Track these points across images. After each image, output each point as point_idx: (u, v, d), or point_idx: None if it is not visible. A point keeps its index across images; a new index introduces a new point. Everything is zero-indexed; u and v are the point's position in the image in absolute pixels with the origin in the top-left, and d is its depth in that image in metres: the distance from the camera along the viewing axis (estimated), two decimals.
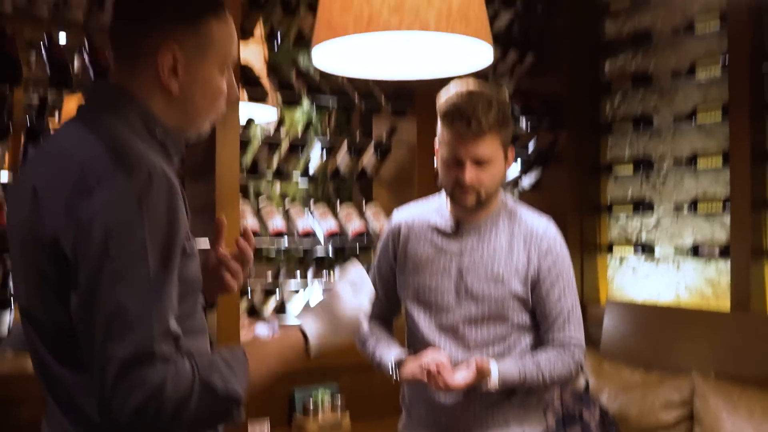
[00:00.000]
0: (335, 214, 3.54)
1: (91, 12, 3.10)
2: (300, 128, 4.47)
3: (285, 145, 3.45)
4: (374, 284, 2.44)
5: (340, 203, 3.62)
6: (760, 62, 3.31)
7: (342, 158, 3.57)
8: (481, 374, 2.14)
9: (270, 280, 3.55)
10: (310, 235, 3.41)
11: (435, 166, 3.51)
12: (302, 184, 4.13)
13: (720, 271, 3.56)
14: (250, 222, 3.27)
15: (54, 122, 4.22)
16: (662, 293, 3.80)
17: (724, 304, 3.50)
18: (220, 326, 3.07)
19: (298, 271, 3.66)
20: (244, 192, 3.99)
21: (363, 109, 3.59)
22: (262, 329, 4.07)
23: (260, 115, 4.00)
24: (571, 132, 4.01)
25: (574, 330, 2.25)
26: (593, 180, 4.10)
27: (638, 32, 3.89)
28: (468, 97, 2.16)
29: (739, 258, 3.35)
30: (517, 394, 2.27)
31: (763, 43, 3.34)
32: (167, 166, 1.50)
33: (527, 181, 4.11)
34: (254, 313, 3.50)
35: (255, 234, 3.25)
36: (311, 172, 3.59)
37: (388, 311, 2.52)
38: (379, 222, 3.54)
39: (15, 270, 1.56)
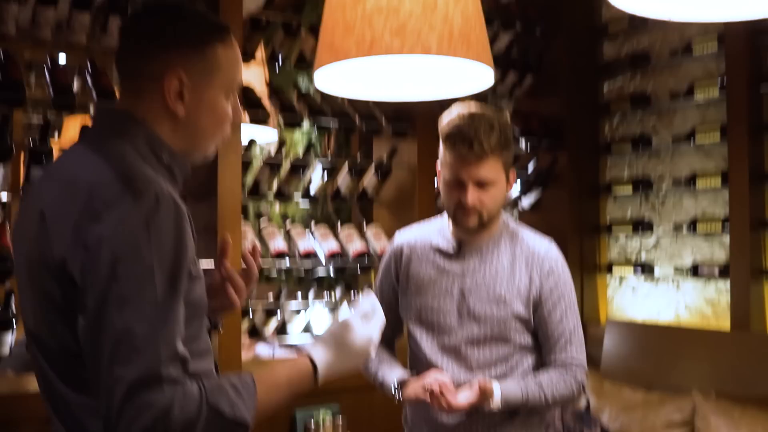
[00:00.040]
0: (336, 235, 3.55)
1: (94, 34, 3.12)
2: (300, 149, 4.49)
3: (286, 166, 3.47)
4: None
5: (341, 224, 3.63)
6: (758, 83, 3.34)
7: (343, 179, 3.59)
8: (484, 395, 2.14)
9: (271, 300, 3.56)
10: (311, 255, 3.42)
11: (436, 186, 3.55)
12: (303, 205, 4.14)
13: (719, 291, 3.57)
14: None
15: (55, 143, 4.25)
16: (662, 313, 3.81)
17: (723, 323, 3.51)
18: (221, 346, 3.07)
19: (299, 292, 3.67)
20: (244, 213, 4.00)
21: (364, 130, 3.60)
22: (262, 349, 4.07)
23: (261, 135, 4.03)
24: (571, 153, 4.04)
25: (576, 351, 2.26)
26: (593, 200, 4.12)
27: (637, 54, 3.93)
28: (470, 119, 2.18)
29: (738, 278, 3.37)
30: (520, 415, 2.27)
31: (761, 64, 3.37)
32: (173, 189, 1.51)
33: (527, 202, 4.13)
34: (255, 333, 3.51)
35: None
36: (312, 193, 3.61)
37: (390, 332, 2.52)
38: (379, 243, 3.55)
39: (22, 292, 1.56)
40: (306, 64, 3.59)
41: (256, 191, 3.44)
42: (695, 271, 3.58)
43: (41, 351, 1.51)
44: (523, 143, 4.00)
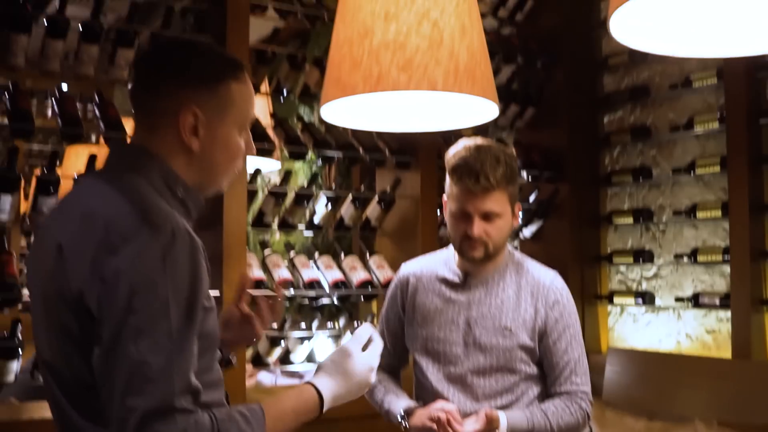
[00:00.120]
0: (339, 265, 3.57)
1: (102, 66, 3.16)
2: (303, 179, 4.52)
3: (291, 197, 3.50)
4: (382, 335, 2.49)
5: (344, 254, 3.66)
6: (757, 116, 3.38)
7: (346, 209, 3.62)
8: (490, 424, 2.16)
9: (275, 328, 3.58)
10: (315, 284, 3.44)
11: (439, 216, 3.58)
12: (306, 234, 4.17)
13: (720, 321, 3.59)
14: (256, 273, 3.31)
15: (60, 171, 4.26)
16: (663, 342, 3.83)
17: (725, 353, 3.53)
18: (226, 374, 3.08)
19: (303, 321, 3.69)
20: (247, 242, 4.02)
21: (368, 161, 3.64)
22: (265, 377, 4.08)
23: (264, 165, 4.07)
24: (572, 184, 4.07)
25: (581, 380, 2.29)
26: (593, 230, 4.15)
27: (637, 86, 3.97)
28: (476, 152, 2.21)
29: (739, 307, 3.39)
30: None
31: (759, 98, 3.42)
32: (188, 223, 1.54)
33: (528, 232, 4.16)
34: (259, 361, 3.52)
35: (261, 283, 3.28)
36: (316, 222, 3.63)
37: (395, 362, 2.55)
38: (382, 272, 3.57)
39: (36, 323, 1.58)
40: (310, 97, 3.63)
41: (260, 221, 3.47)
42: (696, 300, 3.60)
43: (56, 381, 1.53)
44: (524, 174, 4.03)
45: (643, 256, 3.87)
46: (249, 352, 3.42)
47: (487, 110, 2.34)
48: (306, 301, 4.04)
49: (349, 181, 5.21)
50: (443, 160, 3.58)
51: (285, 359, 3.57)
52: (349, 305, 4.65)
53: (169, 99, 1.58)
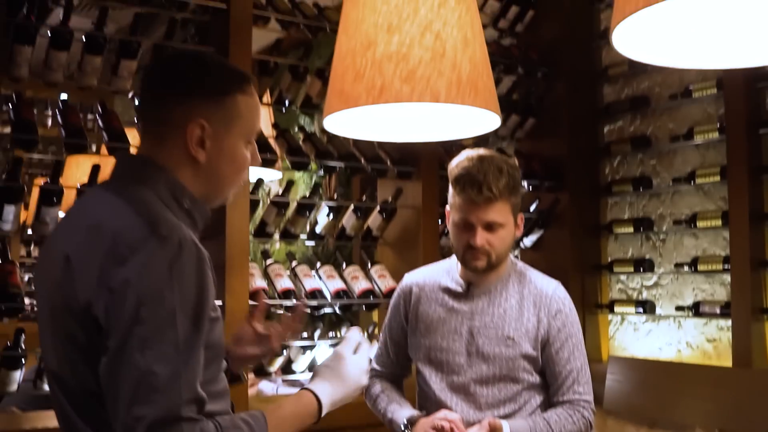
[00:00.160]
0: (341, 275, 3.58)
1: (105, 77, 3.18)
2: (304, 189, 4.53)
3: (293, 207, 3.51)
4: (385, 345, 2.51)
5: (345, 264, 3.67)
6: (757, 126, 3.40)
7: (347, 219, 3.63)
8: None
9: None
10: (317, 293, 3.45)
11: (440, 225, 3.59)
12: (308, 244, 4.18)
13: (721, 329, 3.60)
14: (258, 283, 3.32)
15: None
16: (663, 351, 3.84)
17: (725, 362, 3.53)
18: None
19: (305, 331, 3.69)
20: None
21: (369, 171, 3.65)
22: (266, 386, 4.09)
23: (264, 175, 4.08)
24: (572, 193, 4.08)
25: (583, 389, 2.30)
26: (594, 240, 4.16)
27: (636, 97, 3.99)
28: (479, 163, 2.23)
29: (740, 316, 3.40)
30: None
31: (759, 108, 3.44)
32: (194, 234, 1.56)
33: (529, 241, 4.18)
34: (261, 370, 3.52)
35: (263, 293, 3.29)
36: (318, 232, 3.64)
37: (398, 371, 2.57)
38: (384, 282, 3.58)
39: (43, 333, 1.60)
40: (312, 107, 3.65)
41: (262, 231, 3.48)
42: (696, 309, 3.61)
43: (62, 390, 1.55)
44: (525, 184, 4.04)
45: (643, 265, 3.88)
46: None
47: (489, 121, 2.36)
48: (308, 311, 4.04)
49: (349, 190, 5.23)
50: (445, 170, 3.62)
51: (287, 368, 3.57)
52: (350, 314, 4.66)
53: (177, 111, 1.60)
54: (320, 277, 3.54)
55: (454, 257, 2.42)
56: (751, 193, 3.38)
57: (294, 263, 3.58)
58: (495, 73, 3.87)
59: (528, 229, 4.10)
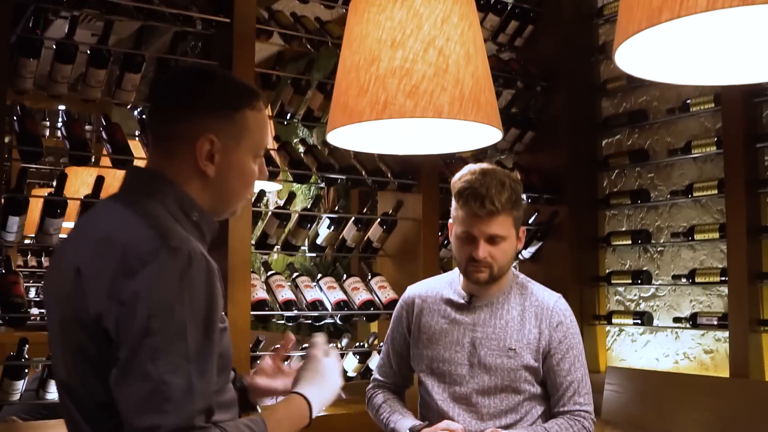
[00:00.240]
0: (341, 286, 3.61)
1: (109, 90, 3.21)
2: (303, 201, 4.55)
3: (294, 219, 3.54)
4: (387, 356, 2.54)
5: (346, 275, 3.69)
6: (754, 141, 3.43)
7: (348, 231, 3.65)
8: None
9: (278, 347, 3.59)
10: (317, 304, 3.47)
11: (439, 237, 3.61)
12: (307, 256, 4.19)
13: (718, 341, 3.63)
14: (260, 294, 3.34)
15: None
16: (661, 362, 3.86)
17: (722, 373, 3.56)
18: None
19: (306, 343, 3.70)
20: None
21: (370, 183, 3.68)
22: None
23: (264, 186, 4.11)
24: (570, 206, 4.11)
25: (584, 400, 2.33)
26: (592, 252, 4.19)
27: (634, 111, 4.03)
28: (482, 177, 2.26)
29: (737, 328, 3.42)
30: None
31: (756, 122, 3.47)
32: (202, 246, 1.58)
33: (528, 253, 4.21)
34: None
35: (265, 304, 3.32)
36: (319, 242, 3.66)
37: (401, 382, 2.59)
38: (384, 293, 3.61)
39: (53, 344, 1.62)
40: (313, 120, 3.67)
41: (263, 243, 3.50)
42: (694, 321, 3.64)
43: (72, 400, 1.57)
44: (524, 196, 4.06)
45: (641, 277, 3.91)
46: (252, 371, 3.44)
47: (491, 135, 2.39)
48: (309, 321, 4.06)
49: (348, 202, 5.26)
50: (445, 183, 3.66)
51: None
52: (349, 325, 4.68)
53: (187, 126, 1.62)
54: (321, 288, 3.56)
55: (456, 269, 2.45)
56: (748, 206, 3.41)
57: (295, 274, 3.60)
58: (495, 86, 3.89)
59: (527, 241, 4.13)
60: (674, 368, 3.80)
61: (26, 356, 2.91)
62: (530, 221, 4.13)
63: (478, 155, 4.27)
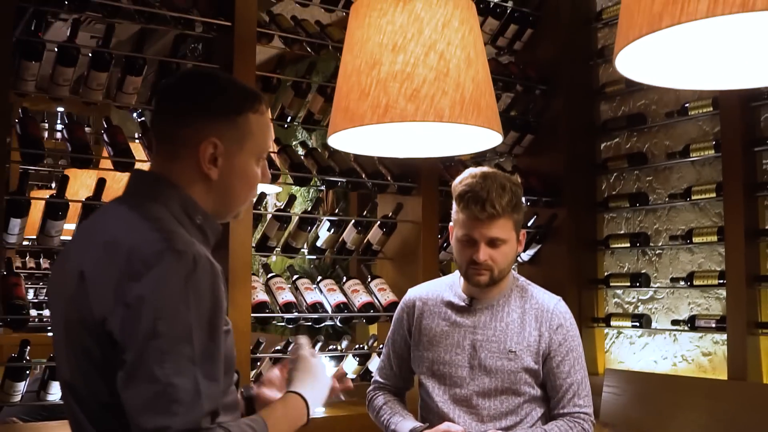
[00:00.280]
0: (341, 289, 3.62)
1: (110, 93, 3.22)
2: (302, 203, 4.56)
3: (295, 221, 3.55)
4: (388, 358, 2.56)
5: (345, 278, 3.71)
6: (752, 144, 3.45)
7: (348, 233, 3.67)
8: None
9: (279, 348, 3.61)
10: (318, 306, 3.48)
11: (438, 239, 3.63)
12: (307, 258, 4.20)
13: (716, 343, 3.65)
14: (261, 296, 3.35)
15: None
16: (659, 364, 3.88)
17: (720, 376, 3.58)
18: None
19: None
20: None
21: (370, 186, 3.69)
22: None
23: (264, 188, 4.12)
24: (569, 209, 4.13)
25: (583, 402, 2.35)
26: (590, 254, 4.21)
27: (633, 114, 4.05)
28: (483, 180, 2.27)
29: (735, 331, 3.44)
30: None
31: (754, 126, 3.49)
32: (206, 249, 1.60)
33: (527, 256, 4.22)
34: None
35: (265, 306, 3.33)
36: (319, 245, 3.68)
37: (401, 384, 2.61)
38: (383, 296, 3.62)
39: (57, 346, 1.63)
40: (313, 123, 3.69)
41: (263, 245, 3.51)
42: (692, 324, 3.65)
43: (76, 400, 1.58)
44: (522, 200, 4.08)
45: (639, 280, 3.93)
46: (253, 372, 3.46)
47: (491, 138, 2.41)
48: (310, 323, 4.08)
49: (347, 205, 5.27)
50: (444, 186, 3.67)
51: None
52: (347, 327, 4.70)
53: (191, 130, 1.63)
54: (321, 291, 3.58)
55: (456, 272, 2.46)
56: (746, 209, 3.43)
57: (295, 276, 3.61)
58: (494, 90, 3.91)
59: (526, 244, 4.14)
60: (672, 371, 3.82)
61: (27, 358, 2.92)
62: (529, 224, 4.14)
63: (477, 158, 4.29)
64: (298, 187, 5.06)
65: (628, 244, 3.99)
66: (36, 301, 5.83)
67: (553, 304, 2.40)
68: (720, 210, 3.60)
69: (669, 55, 1.71)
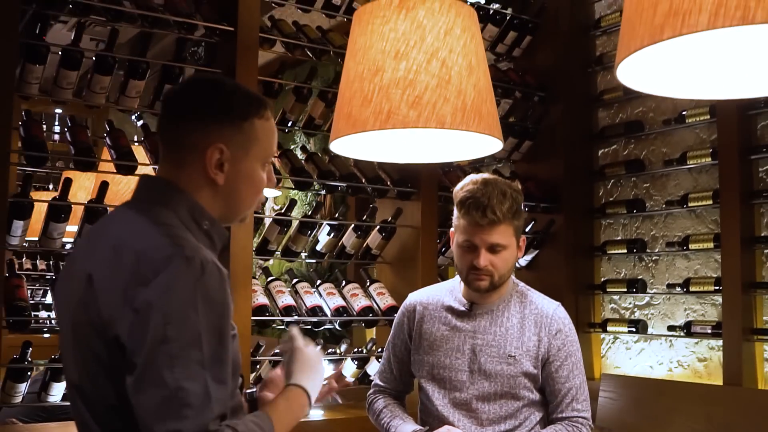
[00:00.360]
0: (341, 292, 3.64)
1: (112, 96, 3.24)
2: (300, 207, 4.58)
3: (295, 225, 3.57)
4: (388, 362, 2.58)
5: (345, 282, 3.73)
6: (749, 152, 3.48)
7: (348, 238, 3.69)
8: None
9: (278, 351, 3.63)
10: (317, 309, 3.51)
11: (437, 243, 3.65)
12: (307, 262, 4.22)
13: (712, 349, 3.67)
14: (261, 300, 3.37)
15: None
16: (655, 370, 3.91)
17: (716, 381, 3.60)
18: None
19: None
20: None
21: (370, 190, 3.72)
22: None
23: (267, 192, 4.14)
24: (567, 215, 4.15)
25: (581, 406, 2.37)
26: (588, 260, 4.24)
27: (631, 121, 4.08)
28: (484, 187, 2.30)
29: (730, 337, 3.46)
30: None
31: (750, 134, 3.52)
32: (213, 254, 1.62)
33: (524, 261, 4.25)
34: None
35: (265, 309, 3.35)
36: (319, 249, 3.70)
37: (401, 387, 2.63)
38: (383, 300, 3.64)
39: (64, 348, 1.64)
40: (314, 128, 3.71)
41: (264, 248, 3.53)
42: (688, 329, 3.68)
43: (83, 402, 1.59)
44: (523, 206, 4.10)
45: (636, 286, 3.95)
46: (252, 375, 3.48)
47: (491, 145, 2.43)
48: (309, 326, 4.10)
49: (345, 209, 5.28)
50: (444, 191, 3.70)
51: None
52: (344, 331, 4.72)
53: (197, 136, 1.65)
54: (320, 295, 3.60)
55: (457, 277, 2.49)
56: (742, 216, 3.46)
57: (295, 280, 3.63)
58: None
59: (524, 249, 4.16)
60: (668, 376, 3.84)
61: (29, 359, 2.94)
62: (527, 230, 4.17)
63: (476, 164, 4.31)
64: (291, 192, 5.08)
65: (625, 250, 4.02)
66: (32, 302, 5.83)
67: (552, 310, 2.42)
68: (716, 217, 3.63)
69: (669, 65, 1.74)
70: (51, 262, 5.46)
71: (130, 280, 1.48)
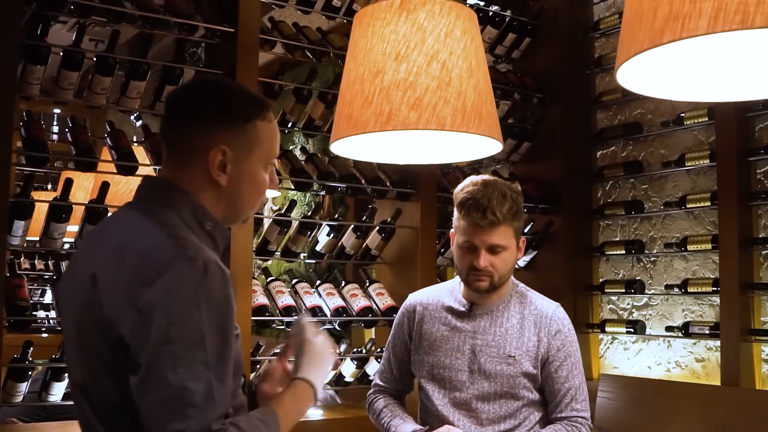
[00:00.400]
0: (340, 293, 3.65)
1: (113, 97, 3.25)
2: (299, 207, 4.58)
3: (295, 226, 3.58)
4: (388, 362, 2.59)
5: (344, 282, 3.74)
6: (747, 154, 3.49)
7: (347, 238, 3.70)
8: None
9: (278, 351, 3.63)
10: (317, 310, 3.52)
11: (436, 244, 3.66)
12: (306, 262, 4.23)
13: (710, 349, 3.69)
14: (261, 300, 3.38)
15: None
16: (653, 370, 3.92)
17: (714, 382, 3.61)
18: None
19: None
20: None
21: (369, 191, 3.73)
22: None
23: (267, 193, 4.14)
24: (565, 216, 4.17)
25: (581, 406, 2.39)
26: (586, 261, 4.25)
27: (629, 123, 4.09)
28: (484, 188, 2.31)
29: (728, 337, 3.48)
30: None
31: (748, 136, 3.53)
32: (215, 255, 1.63)
33: (523, 262, 4.26)
34: None
35: (265, 309, 3.36)
36: (318, 249, 3.71)
37: (401, 387, 2.64)
38: (382, 300, 3.65)
39: (68, 348, 1.65)
40: (314, 129, 3.72)
41: (263, 249, 3.54)
42: (686, 330, 3.69)
43: (87, 402, 1.60)
44: (522, 207, 4.11)
45: (634, 286, 3.97)
46: (252, 375, 3.50)
47: (491, 146, 2.44)
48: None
49: (345, 209, 5.29)
50: (443, 192, 3.71)
51: None
52: (343, 331, 4.73)
53: (200, 137, 1.66)
54: (320, 295, 3.61)
55: (457, 278, 2.50)
56: (740, 218, 3.47)
57: (294, 280, 3.65)
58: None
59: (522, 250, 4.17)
60: (666, 376, 3.86)
61: (30, 359, 2.94)
62: (526, 230, 4.18)
63: (475, 165, 4.32)
64: (296, 192, 5.09)
65: (624, 251, 4.03)
66: (31, 302, 5.83)
67: (551, 310, 2.44)
68: (714, 218, 3.65)
69: (668, 67, 1.75)
70: (50, 262, 5.46)
71: (133, 280, 1.49)
